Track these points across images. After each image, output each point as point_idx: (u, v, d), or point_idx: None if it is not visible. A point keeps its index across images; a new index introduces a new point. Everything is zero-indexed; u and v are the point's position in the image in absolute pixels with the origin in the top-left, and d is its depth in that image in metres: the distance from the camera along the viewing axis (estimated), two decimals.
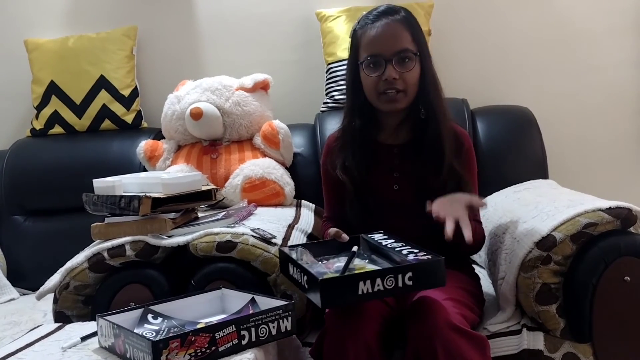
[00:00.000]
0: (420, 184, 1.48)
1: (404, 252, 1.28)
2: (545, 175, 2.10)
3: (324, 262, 1.33)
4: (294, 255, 1.32)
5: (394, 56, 1.44)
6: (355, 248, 1.36)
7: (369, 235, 1.41)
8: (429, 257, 1.24)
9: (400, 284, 1.17)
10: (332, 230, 1.42)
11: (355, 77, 1.51)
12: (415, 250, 1.28)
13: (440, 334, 1.19)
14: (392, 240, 1.36)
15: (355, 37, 1.51)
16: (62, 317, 1.49)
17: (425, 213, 1.41)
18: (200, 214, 1.69)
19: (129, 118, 2.37)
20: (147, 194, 1.45)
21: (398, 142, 1.54)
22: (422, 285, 1.21)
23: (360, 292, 1.15)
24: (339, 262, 1.32)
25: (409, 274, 1.18)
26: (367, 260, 1.33)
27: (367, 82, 1.48)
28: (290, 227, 1.68)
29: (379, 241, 1.37)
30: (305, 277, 1.22)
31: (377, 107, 1.51)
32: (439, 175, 1.46)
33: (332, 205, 1.61)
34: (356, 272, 1.21)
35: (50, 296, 1.52)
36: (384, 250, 1.33)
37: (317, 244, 1.43)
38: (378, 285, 1.16)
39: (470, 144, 1.54)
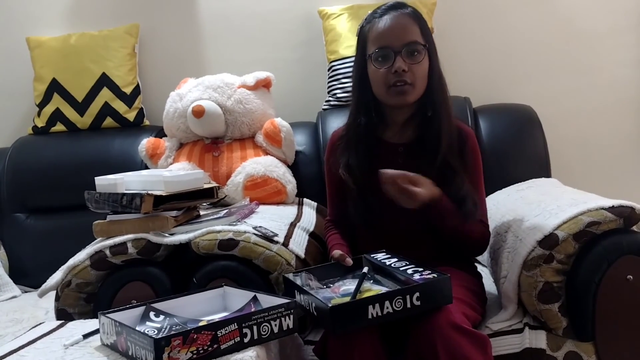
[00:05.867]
0: None
1: (409, 271, 1.28)
2: (548, 174, 2.09)
3: (330, 286, 1.33)
4: (298, 282, 1.32)
5: (403, 48, 1.43)
6: (365, 269, 1.36)
7: (372, 255, 1.41)
8: (435, 275, 1.24)
9: (408, 305, 1.18)
10: (337, 253, 1.42)
11: (362, 73, 1.49)
12: (420, 269, 1.28)
13: (442, 332, 1.18)
14: (396, 260, 1.36)
15: (362, 32, 1.50)
16: (64, 315, 1.49)
17: (428, 213, 1.41)
18: (202, 212, 1.69)
19: (131, 116, 2.37)
20: (149, 192, 1.45)
21: (403, 141, 1.53)
22: (430, 304, 1.21)
23: (370, 316, 1.16)
24: (345, 285, 1.32)
25: (417, 294, 1.19)
26: (371, 281, 1.33)
27: (376, 75, 1.46)
28: (292, 225, 1.68)
29: (382, 261, 1.37)
30: (314, 304, 1.22)
31: (385, 102, 1.49)
32: (437, 171, 1.44)
33: (336, 203, 1.61)
34: (364, 294, 1.21)
35: (52, 294, 1.53)
36: (388, 270, 1.33)
37: (321, 268, 1.43)
38: (387, 307, 1.17)
39: (475, 144, 1.52)
